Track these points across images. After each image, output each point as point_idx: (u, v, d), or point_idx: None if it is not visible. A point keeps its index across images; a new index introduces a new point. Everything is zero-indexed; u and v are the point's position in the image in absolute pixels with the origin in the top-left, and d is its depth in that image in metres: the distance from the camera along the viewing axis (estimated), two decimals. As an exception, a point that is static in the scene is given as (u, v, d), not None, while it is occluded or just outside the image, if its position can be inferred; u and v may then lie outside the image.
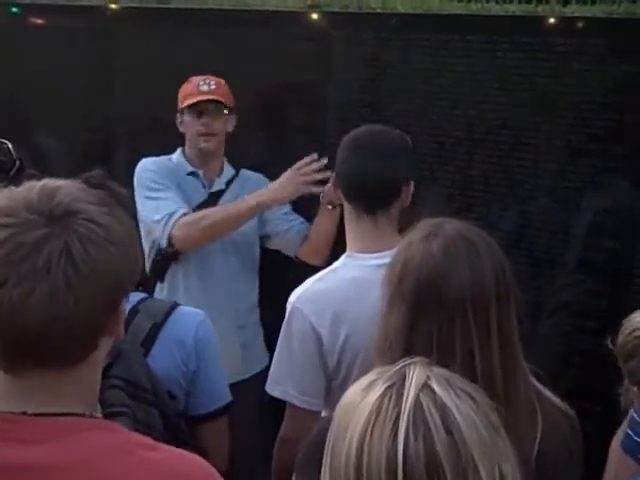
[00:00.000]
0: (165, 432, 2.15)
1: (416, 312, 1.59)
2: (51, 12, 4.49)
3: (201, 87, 3.40)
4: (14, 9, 4.57)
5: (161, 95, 3.66)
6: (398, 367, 1.13)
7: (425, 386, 1.09)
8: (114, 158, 4.17)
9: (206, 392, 2.30)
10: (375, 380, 1.13)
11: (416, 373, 1.10)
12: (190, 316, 2.33)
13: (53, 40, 4.30)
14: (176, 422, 2.20)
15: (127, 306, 1.43)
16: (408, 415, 1.05)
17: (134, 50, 4.06)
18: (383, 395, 1.09)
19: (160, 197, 3.32)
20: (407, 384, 1.09)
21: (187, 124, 3.42)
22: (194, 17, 3.99)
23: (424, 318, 1.58)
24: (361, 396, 1.11)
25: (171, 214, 3.26)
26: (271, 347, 2.50)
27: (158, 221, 3.27)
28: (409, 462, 1.03)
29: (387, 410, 1.07)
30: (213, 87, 3.41)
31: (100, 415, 1.49)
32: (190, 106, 3.38)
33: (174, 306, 2.33)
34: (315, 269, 2.51)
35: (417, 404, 1.06)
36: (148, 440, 1.38)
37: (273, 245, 3.53)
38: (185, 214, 3.28)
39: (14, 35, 4.48)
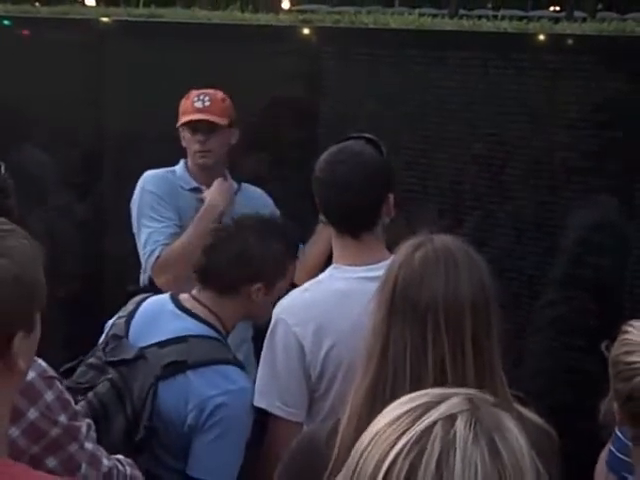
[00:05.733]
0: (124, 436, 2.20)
1: (392, 316, 1.64)
2: (42, 25, 4.49)
3: (195, 104, 3.33)
4: (5, 22, 4.57)
5: (151, 107, 3.65)
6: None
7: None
8: (105, 170, 4.15)
9: (201, 461, 2.29)
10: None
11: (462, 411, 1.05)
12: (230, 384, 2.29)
13: (44, 53, 4.29)
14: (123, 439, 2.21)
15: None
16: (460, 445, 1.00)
17: (124, 63, 4.05)
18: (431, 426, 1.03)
19: (151, 227, 3.27)
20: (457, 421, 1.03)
21: (185, 140, 3.38)
22: (185, 31, 3.99)
23: (399, 323, 1.62)
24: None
25: (152, 251, 3.22)
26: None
27: (143, 256, 3.25)
28: None
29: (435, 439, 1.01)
30: (207, 104, 3.34)
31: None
32: (185, 123, 3.33)
33: (216, 361, 2.32)
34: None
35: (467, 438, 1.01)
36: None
37: None
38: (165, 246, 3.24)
39: (5, 47, 4.47)
